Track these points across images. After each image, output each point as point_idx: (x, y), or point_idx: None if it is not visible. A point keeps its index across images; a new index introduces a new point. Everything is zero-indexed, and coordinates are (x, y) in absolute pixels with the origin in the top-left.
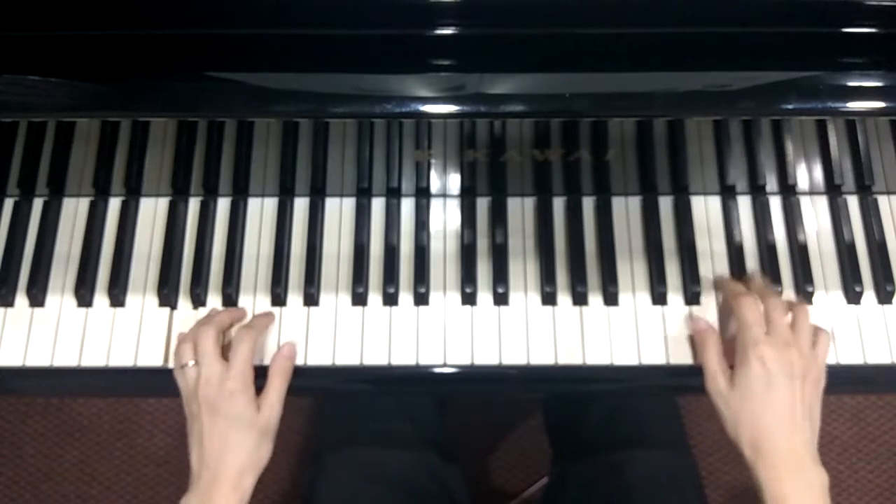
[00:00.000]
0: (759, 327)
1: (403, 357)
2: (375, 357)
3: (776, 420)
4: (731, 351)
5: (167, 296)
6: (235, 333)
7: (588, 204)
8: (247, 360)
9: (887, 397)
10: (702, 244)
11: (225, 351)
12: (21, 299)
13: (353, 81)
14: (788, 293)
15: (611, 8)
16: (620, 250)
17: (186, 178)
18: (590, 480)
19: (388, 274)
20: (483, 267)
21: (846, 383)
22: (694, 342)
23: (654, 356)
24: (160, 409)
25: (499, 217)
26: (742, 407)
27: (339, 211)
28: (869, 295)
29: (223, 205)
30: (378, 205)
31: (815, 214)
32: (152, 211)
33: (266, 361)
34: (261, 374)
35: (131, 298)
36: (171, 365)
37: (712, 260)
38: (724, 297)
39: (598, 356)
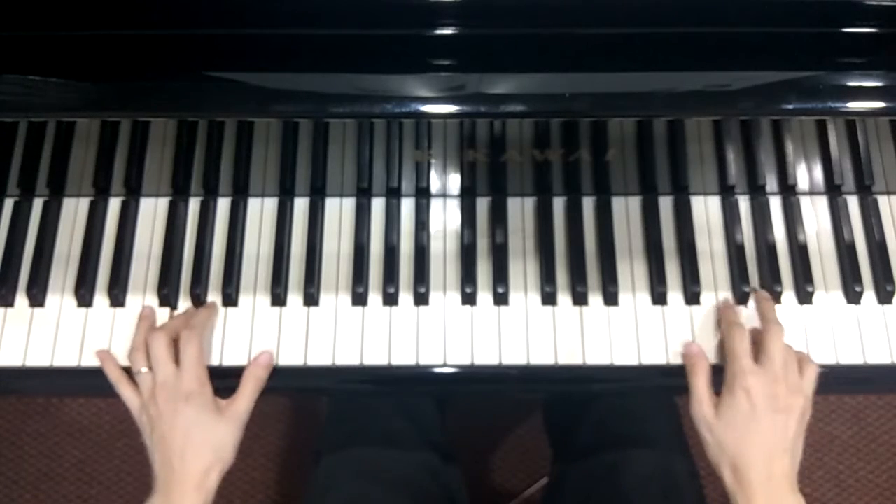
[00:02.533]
0: (748, 358)
1: (403, 357)
2: (375, 357)
3: (757, 451)
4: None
5: (167, 296)
6: (181, 337)
7: (588, 204)
8: (197, 361)
9: (887, 397)
10: (702, 244)
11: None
12: (21, 299)
13: (353, 81)
14: (788, 294)
15: (611, 8)
16: (620, 250)
17: (186, 178)
18: (590, 480)
19: (388, 274)
20: (483, 267)
21: (846, 383)
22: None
23: (654, 356)
24: None
25: (499, 217)
26: (725, 435)
27: (339, 211)
28: (869, 295)
29: (223, 205)
30: (378, 205)
31: (815, 214)
32: (152, 211)
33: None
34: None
35: (131, 298)
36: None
37: (712, 260)
38: (722, 319)
39: (598, 356)
